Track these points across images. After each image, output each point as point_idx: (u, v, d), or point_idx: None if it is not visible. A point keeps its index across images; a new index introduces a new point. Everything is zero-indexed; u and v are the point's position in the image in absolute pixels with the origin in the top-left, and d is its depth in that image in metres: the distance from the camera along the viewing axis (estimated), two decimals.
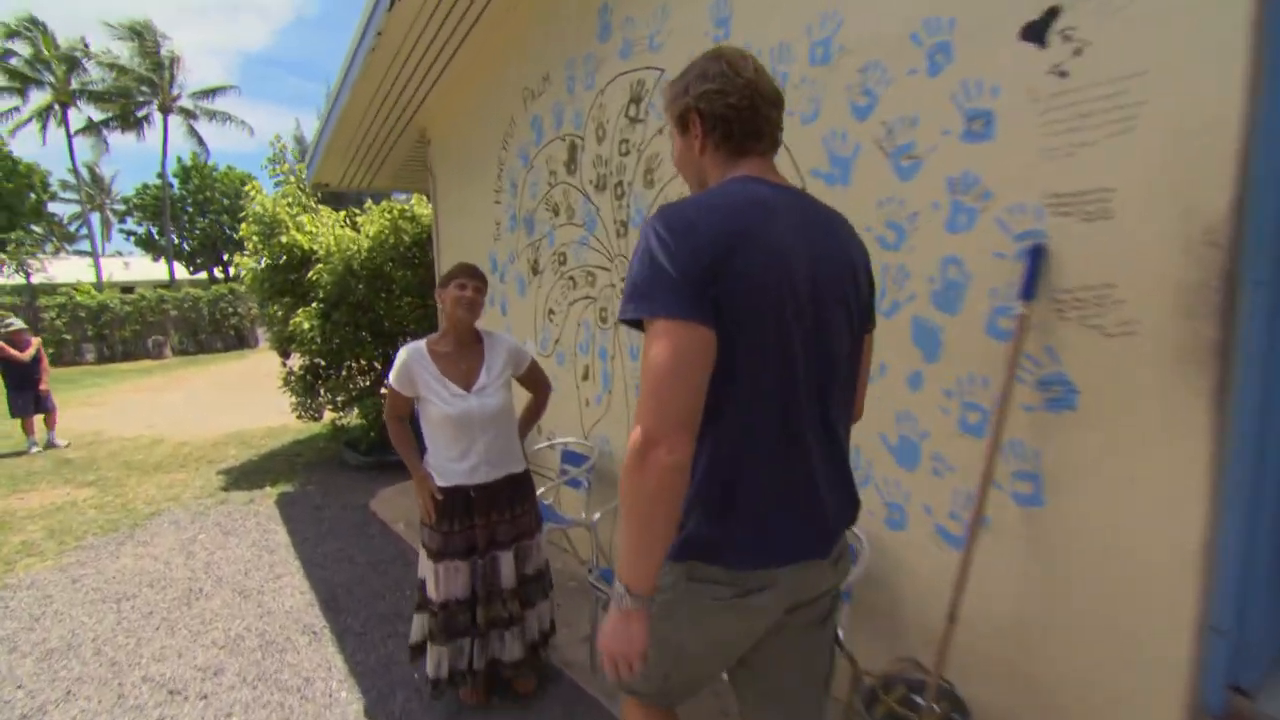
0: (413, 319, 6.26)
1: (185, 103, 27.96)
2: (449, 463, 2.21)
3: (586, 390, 3.31)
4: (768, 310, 1.01)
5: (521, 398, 2.41)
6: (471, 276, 2.25)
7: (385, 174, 5.60)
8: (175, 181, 30.41)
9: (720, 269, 0.96)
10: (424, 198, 6.55)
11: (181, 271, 31.38)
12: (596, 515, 2.98)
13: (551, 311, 3.54)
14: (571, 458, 3.37)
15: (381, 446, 6.06)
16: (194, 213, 30.89)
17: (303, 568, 3.77)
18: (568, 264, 3.36)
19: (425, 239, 6.13)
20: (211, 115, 28.30)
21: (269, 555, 3.99)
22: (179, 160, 30.63)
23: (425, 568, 2.27)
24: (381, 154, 5.17)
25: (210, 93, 28.44)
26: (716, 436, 1.04)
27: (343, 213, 6.41)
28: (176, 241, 30.84)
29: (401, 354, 2.23)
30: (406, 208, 6.18)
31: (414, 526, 4.31)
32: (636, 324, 1.01)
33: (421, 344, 2.28)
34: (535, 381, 2.48)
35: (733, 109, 1.10)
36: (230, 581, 3.61)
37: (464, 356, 2.26)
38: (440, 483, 2.22)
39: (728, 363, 0.99)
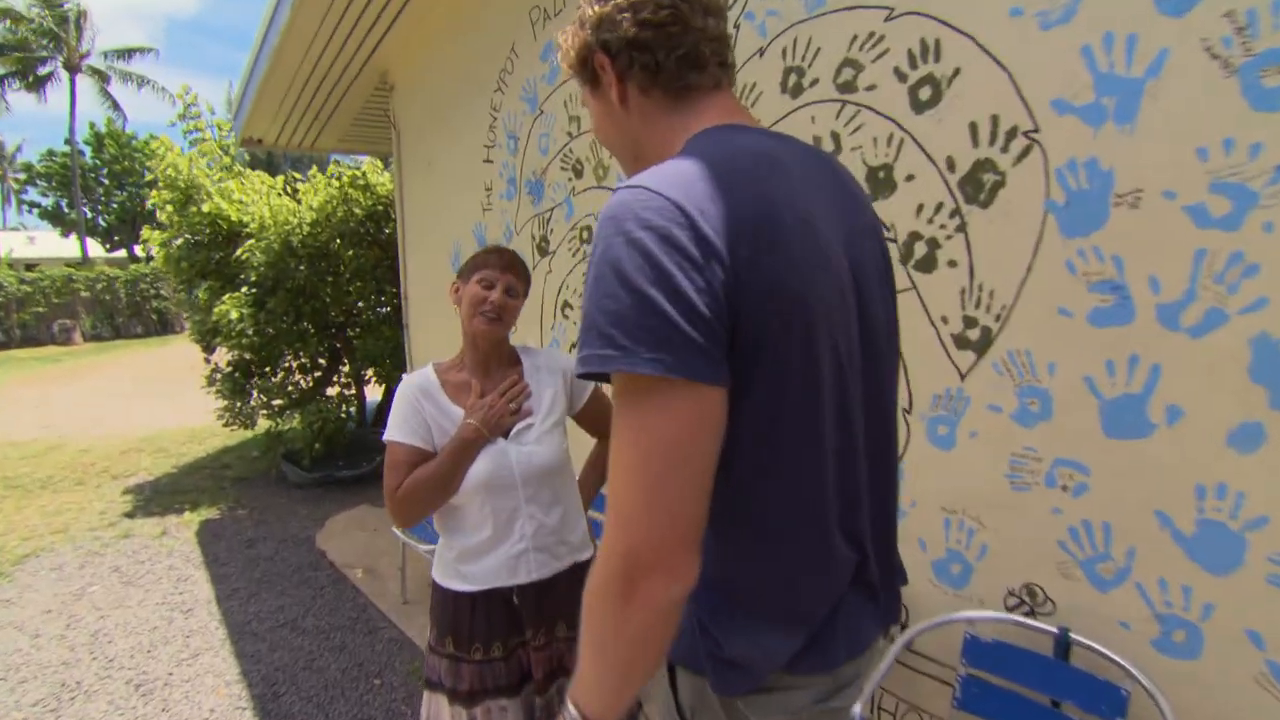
0: (367, 308, 5.28)
1: (96, 62, 25.37)
2: (478, 554, 1.39)
3: None
4: (814, 339, 0.67)
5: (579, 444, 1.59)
6: (503, 268, 1.43)
7: (334, 130, 4.60)
8: (87, 149, 27.84)
9: (737, 284, 0.62)
10: (379, 163, 5.53)
11: (97, 249, 28.83)
12: None
13: (568, 305, 2.70)
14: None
15: (329, 460, 5.08)
16: (110, 185, 28.40)
17: (229, 639, 2.85)
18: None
19: (382, 212, 5.14)
20: (127, 78, 25.78)
21: (183, 619, 3.04)
22: (91, 126, 27.96)
23: (439, 713, 1.44)
24: (330, 103, 4.17)
25: (126, 53, 25.86)
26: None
27: (280, 178, 5.33)
28: (90, 216, 28.25)
29: (400, 389, 1.41)
30: (358, 173, 5.17)
31: (377, 575, 3.41)
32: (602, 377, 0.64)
33: (428, 370, 1.46)
34: (603, 418, 1.65)
35: (649, 26, 0.76)
36: (124, 667, 2.66)
37: (491, 387, 1.45)
38: (464, 587, 1.40)
39: (752, 427, 0.67)
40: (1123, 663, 1.29)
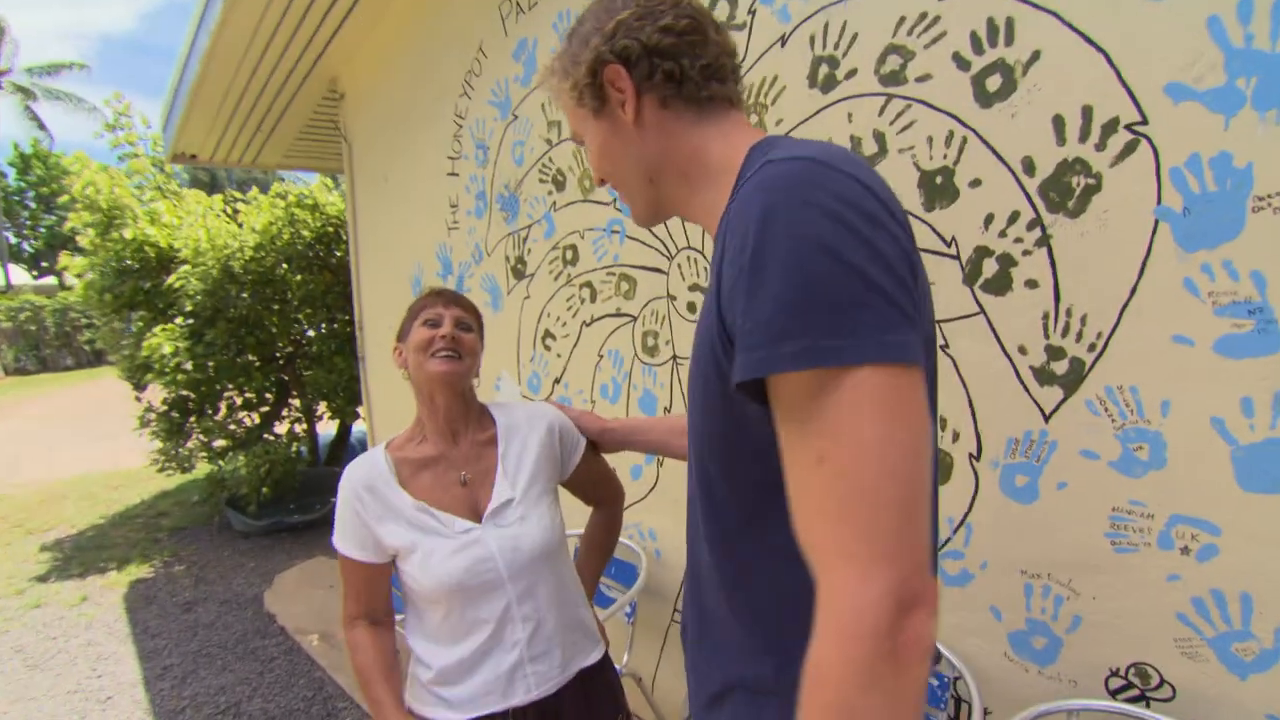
0: (317, 338, 4.85)
1: (19, 79, 24.00)
2: (461, 674, 1.09)
3: (618, 458, 2.20)
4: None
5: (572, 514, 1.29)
6: (447, 302, 1.19)
7: (278, 145, 4.21)
8: (11, 171, 26.35)
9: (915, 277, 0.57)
10: (329, 182, 5.14)
11: (23, 276, 27.20)
12: (653, 665, 1.89)
13: (549, 335, 2.40)
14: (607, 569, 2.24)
15: (278, 504, 4.62)
16: (38, 208, 26.88)
17: None
18: (580, 263, 2.23)
19: (333, 233, 4.75)
20: (55, 96, 24.45)
21: (100, 713, 2.59)
22: (15, 147, 26.46)
23: None
24: (272, 114, 3.80)
25: (52, 69, 24.55)
26: None
27: (218, 198, 4.89)
28: (15, 241, 26.63)
29: (341, 484, 1.13)
30: (306, 192, 4.78)
31: (335, 643, 3.01)
32: (757, 385, 0.55)
33: (378, 455, 1.16)
34: (599, 484, 1.36)
35: (671, 33, 0.70)
36: None
37: (460, 458, 1.16)
38: (447, 715, 1.09)
39: None
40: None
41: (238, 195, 4.93)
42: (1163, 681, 1.19)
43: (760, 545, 0.66)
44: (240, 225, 4.65)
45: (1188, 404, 1.10)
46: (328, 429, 5.67)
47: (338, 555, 1.11)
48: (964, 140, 1.29)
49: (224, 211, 4.83)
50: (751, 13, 1.61)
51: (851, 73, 1.43)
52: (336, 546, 1.10)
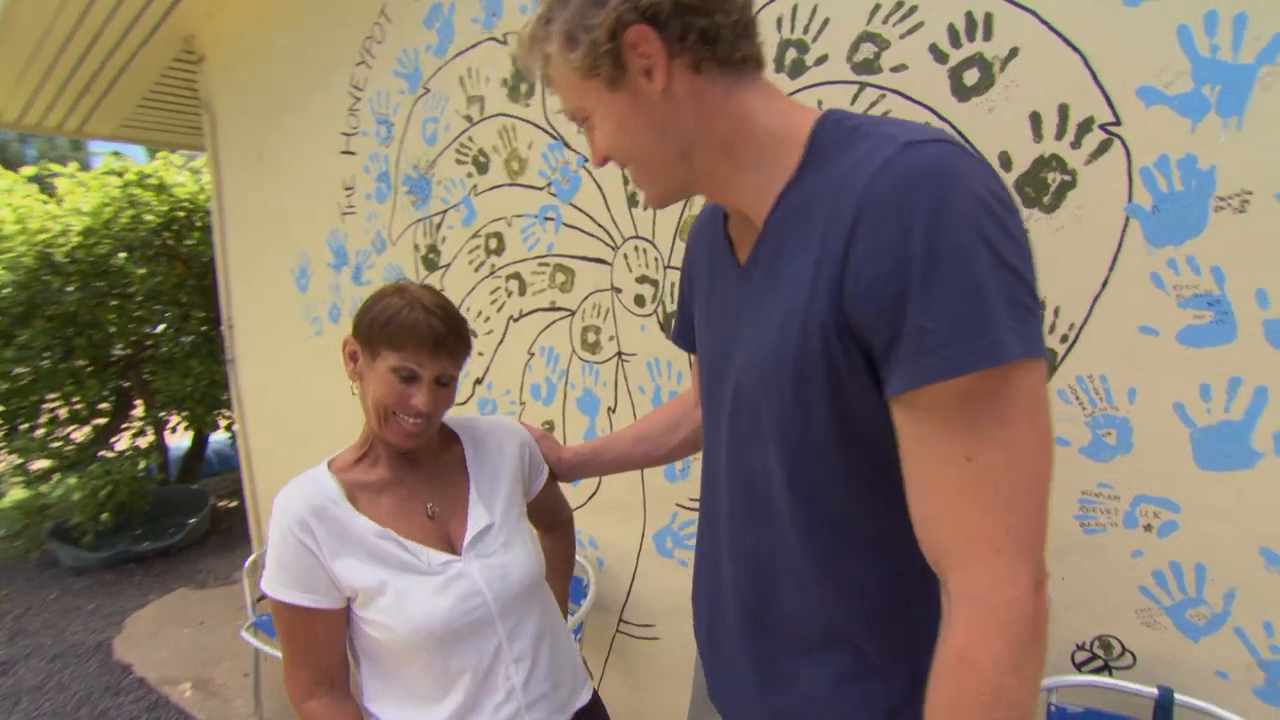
0: (168, 339, 4.21)
1: None
2: None
3: None
4: None
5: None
6: (435, 348, 0.92)
7: (113, 112, 3.58)
8: None
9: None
10: (175, 158, 4.47)
11: None
12: (597, 678, 1.78)
13: (470, 331, 2.19)
14: None
15: (123, 531, 3.97)
16: None
17: None
18: (507, 252, 2.05)
19: (184, 218, 4.14)
20: None
21: None
22: None
23: None
24: (106, 75, 3.20)
25: None
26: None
27: (27, 170, 4.07)
28: None
29: (276, 516, 0.90)
30: (149, 170, 4.11)
31: (213, 691, 2.61)
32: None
33: (320, 475, 0.95)
34: (557, 507, 1.23)
35: (703, 6, 0.61)
36: None
37: (422, 484, 1.00)
38: None
39: None
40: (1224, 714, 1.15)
41: (54, 168, 4.13)
42: (1124, 650, 1.26)
43: (860, 532, 0.66)
44: (60, 205, 3.91)
45: (1153, 391, 1.17)
46: (180, 441, 4.97)
47: (274, 605, 0.89)
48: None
49: (41, 188, 4.04)
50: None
51: (822, 59, 1.40)
52: (272, 594, 0.88)
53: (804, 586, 0.69)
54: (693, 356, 1.05)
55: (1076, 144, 1.17)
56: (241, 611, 3.24)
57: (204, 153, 3.69)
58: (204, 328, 4.23)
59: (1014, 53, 1.21)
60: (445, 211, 2.19)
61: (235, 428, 3.36)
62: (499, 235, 2.07)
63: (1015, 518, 0.52)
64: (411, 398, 0.91)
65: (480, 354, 2.19)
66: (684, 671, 1.91)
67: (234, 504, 5.03)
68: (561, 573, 1.25)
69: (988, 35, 1.23)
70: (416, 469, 1.00)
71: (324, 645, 0.91)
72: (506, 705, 0.94)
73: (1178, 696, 1.17)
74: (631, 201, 1.77)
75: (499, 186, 2.04)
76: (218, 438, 5.16)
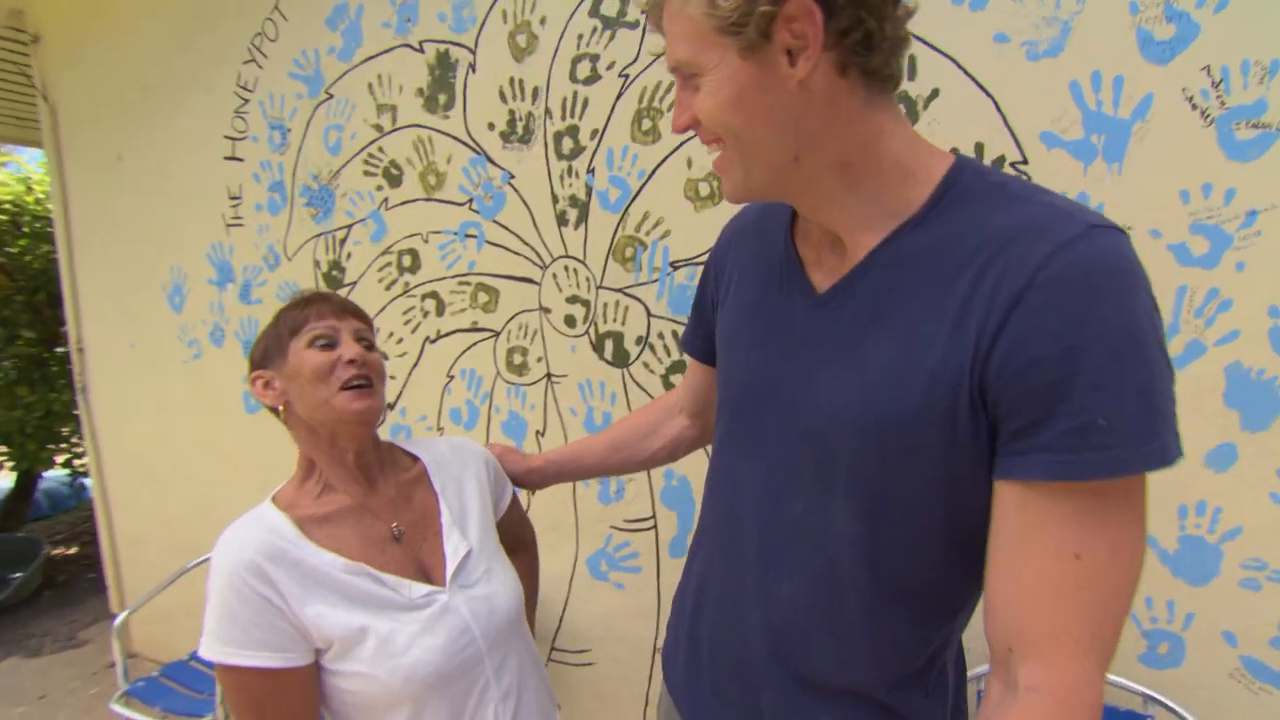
0: None
1: None
2: None
3: None
4: None
5: None
6: (338, 310, 0.92)
7: None
8: None
9: None
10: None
11: None
12: None
13: (381, 355, 2.05)
14: None
15: None
16: None
17: None
18: (423, 270, 1.95)
19: (7, 223, 3.57)
20: None
21: None
22: None
23: None
24: None
25: None
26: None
27: None
28: None
29: (219, 569, 0.78)
30: None
31: None
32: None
33: (268, 513, 0.85)
34: (521, 526, 1.18)
35: (878, 4, 0.56)
36: None
37: (383, 505, 0.91)
38: None
39: None
40: (1142, 689, 1.30)
41: None
42: None
43: (930, 602, 0.65)
44: None
45: None
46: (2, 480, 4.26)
47: (228, 675, 0.76)
48: (895, 126, 1.37)
49: None
50: (645, 12, 1.54)
51: None
52: (226, 660, 0.75)
53: (845, 642, 0.66)
54: (695, 362, 1.01)
55: None
56: (94, 680, 2.81)
57: (32, 149, 3.21)
58: (34, 349, 3.66)
59: (935, 93, 1.31)
60: (351, 226, 2.04)
61: (85, 464, 2.91)
62: (413, 252, 1.95)
63: (1106, 622, 0.52)
64: (342, 356, 0.86)
65: (393, 377, 2.06)
66: (620, 694, 1.88)
67: (73, 551, 4.37)
68: (529, 598, 1.18)
69: (912, 75, 1.32)
70: (375, 490, 0.91)
71: (301, 710, 0.79)
72: None
73: None
74: (561, 220, 1.74)
75: (413, 201, 1.93)
76: (55, 475, 4.47)
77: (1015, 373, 0.52)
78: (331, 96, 2.00)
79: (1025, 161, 1.26)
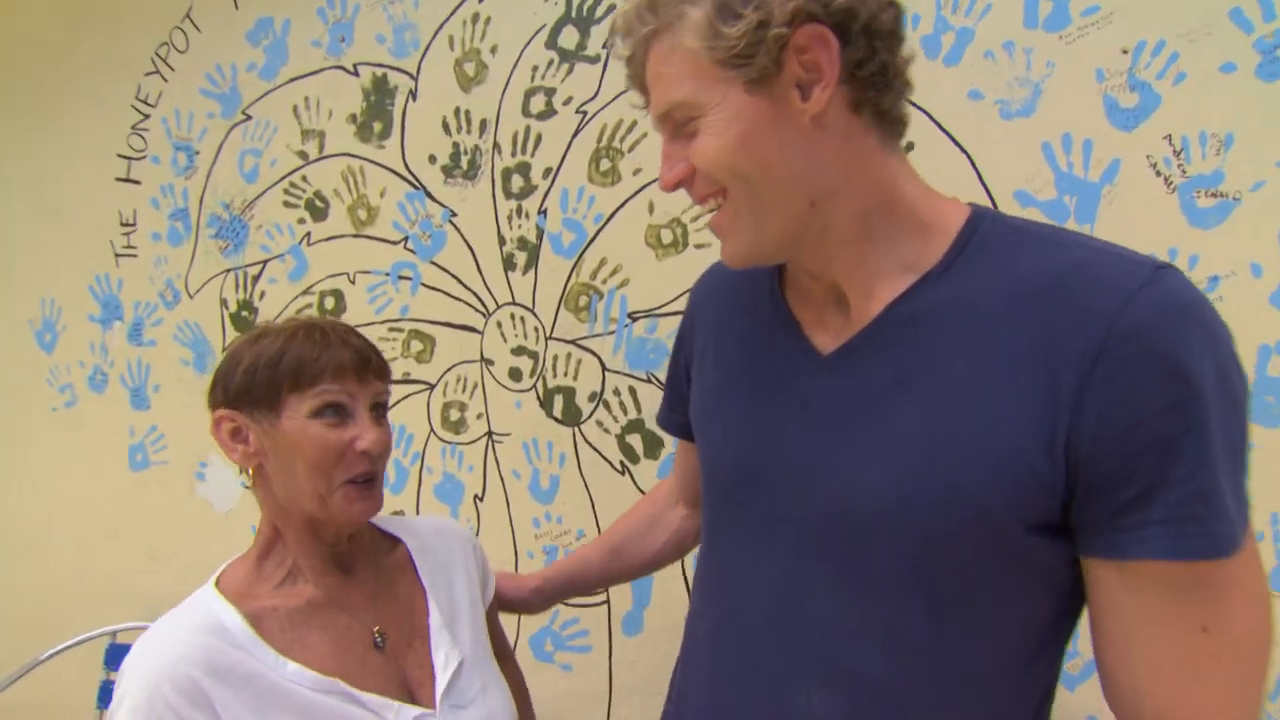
0: None
1: None
2: None
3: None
4: None
5: None
6: (359, 367, 0.70)
7: None
8: None
9: None
10: None
11: None
12: None
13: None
14: None
15: None
16: None
17: None
18: (350, 314, 1.75)
19: None
20: None
21: None
22: None
23: None
24: None
25: None
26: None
27: None
28: None
29: (139, 680, 0.57)
30: None
31: None
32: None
33: (207, 600, 0.65)
34: (499, 633, 0.98)
35: (894, 16, 0.55)
36: None
37: (361, 601, 0.73)
38: None
39: None
40: None
41: None
42: None
43: (1009, 684, 0.57)
44: None
45: None
46: None
47: None
48: (906, 170, 1.33)
49: None
50: (607, 47, 1.46)
51: None
52: None
53: None
54: (682, 443, 0.91)
55: None
56: None
57: None
58: None
59: (910, 146, 1.27)
60: (266, 262, 1.82)
61: None
62: (338, 293, 1.76)
63: (1250, 697, 0.49)
64: (355, 440, 0.67)
65: None
66: None
67: None
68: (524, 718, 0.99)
69: None
70: (352, 581, 0.73)
71: None
72: None
73: None
74: (508, 264, 1.60)
75: (340, 237, 1.74)
76: None
77: (1110, 442, 0.46)
78: (250, 118, 1.80)
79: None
